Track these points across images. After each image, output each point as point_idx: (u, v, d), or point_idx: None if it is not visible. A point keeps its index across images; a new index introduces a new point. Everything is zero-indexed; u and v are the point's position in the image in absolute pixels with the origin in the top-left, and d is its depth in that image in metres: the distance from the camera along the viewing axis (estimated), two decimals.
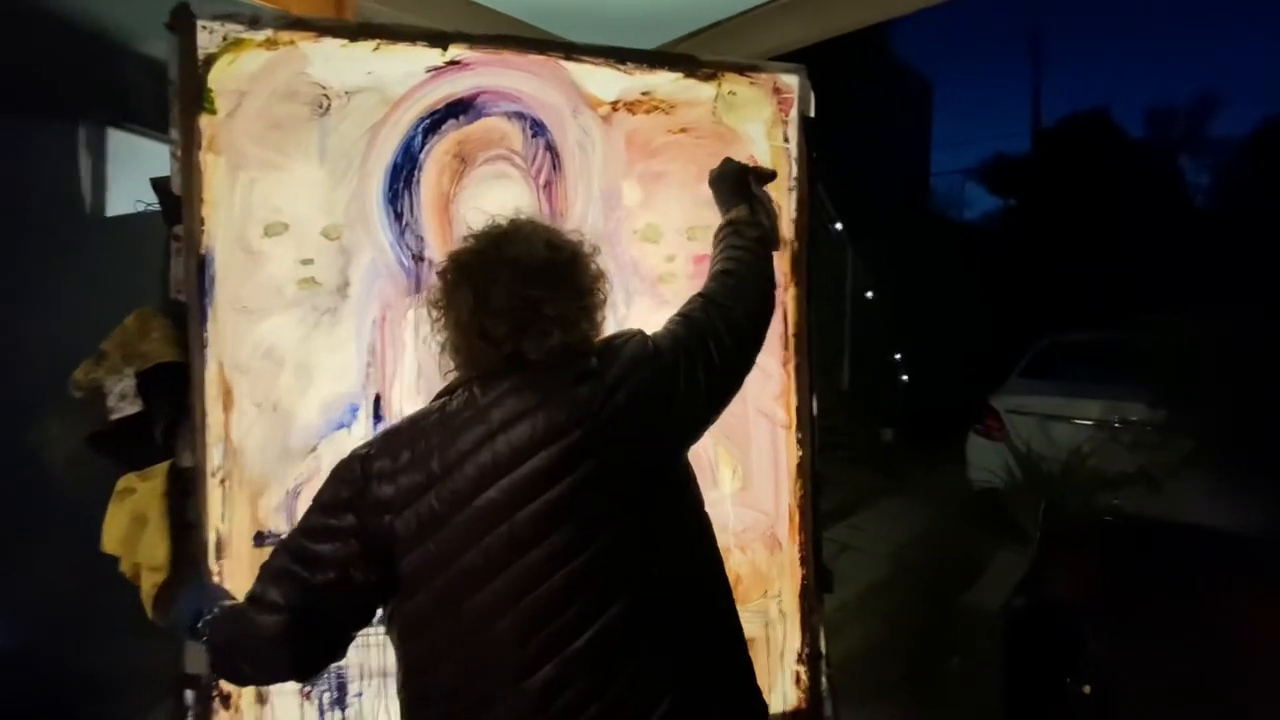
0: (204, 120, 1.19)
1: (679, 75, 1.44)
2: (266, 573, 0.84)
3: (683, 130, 1.44)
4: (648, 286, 1.41)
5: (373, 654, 1.21)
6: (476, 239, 0.93)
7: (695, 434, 0.99)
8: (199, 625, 0.86)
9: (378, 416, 1.27)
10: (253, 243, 1.22)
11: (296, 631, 0.80)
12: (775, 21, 2.31)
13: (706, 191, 1.46)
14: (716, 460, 1.43)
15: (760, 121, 1.49)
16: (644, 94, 1.42)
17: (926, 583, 3.68)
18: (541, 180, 1.36)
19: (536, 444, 0.84)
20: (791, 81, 1.51)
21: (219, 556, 1.18)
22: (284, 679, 0.88)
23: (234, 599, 0.88)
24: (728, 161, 1.24)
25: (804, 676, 1.46)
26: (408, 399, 1.28)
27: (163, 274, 1.22)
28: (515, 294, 0.88)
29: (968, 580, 3.46)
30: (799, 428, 1.49)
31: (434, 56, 1.31)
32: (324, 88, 1.25)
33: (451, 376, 0.94)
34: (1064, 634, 2.23)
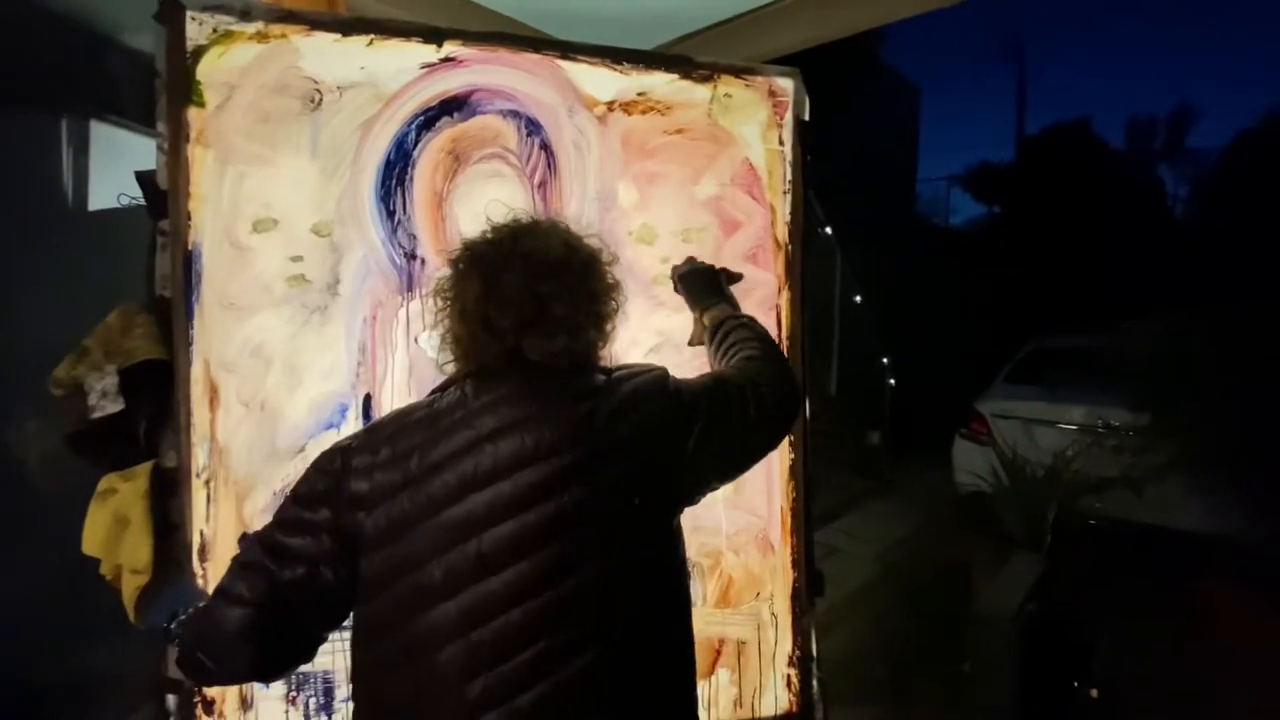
0: (192, 113, 1.17)
1: (675, 76, 1.44)
2: (236, 564, 0.81)
3: (679, 131, 1.44)
4: (642, 288, 1.40)
5: None
6: (494, 230, 0.90)
7: (691, 495, 0.93)
8: (172, 626, 0.84)
9: (367, 417, 1.25)
10: (241, 238, 1.20)
11: (260, 629, 0.76)
12: (768, 26, 2.32)
13: (702, 193, 1.46)
14: None
15: (755, 124, 1.49)
16: (640, 94, 1.41)
17: (914, 585, 3.71)
18: (536, 179, 1.35)
19: (524, 459, 0.80)
20: (787, 85, 1.51)
21: (203, 559, 1.16)
22: (246, 678, 0.84)
23: None
24: (695, 261, 1.25)
25: (795, 680, 1.46)
26: (399, 399, 1.26)
27: (147, 269, 1.19)
28: (525, 287, 0.84)
29: (955, 583, 3.48)
30: (793, 431, 1.49)
31: (428, 53, 1.29)
32: (316, 82, 1.23)
33: (450, 369, 0.91)
34: (1075, 638, 2.26)
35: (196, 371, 1.16)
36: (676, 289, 1.28)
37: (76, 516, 1.10)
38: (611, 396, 0.86)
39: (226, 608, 0.77)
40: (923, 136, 14.17)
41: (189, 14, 1.17)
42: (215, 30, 1.18)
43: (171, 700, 1.12)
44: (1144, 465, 3.16)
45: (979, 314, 8.24)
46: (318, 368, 1.23)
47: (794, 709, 1.44)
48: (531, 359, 0.85)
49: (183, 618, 0.84)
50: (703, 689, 1.40)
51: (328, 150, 1.24)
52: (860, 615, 3.27)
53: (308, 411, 1.22)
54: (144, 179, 1.19)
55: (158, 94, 1.17)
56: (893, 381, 6.29)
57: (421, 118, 1.29)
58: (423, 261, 1.29)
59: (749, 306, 1.47)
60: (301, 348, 1.22)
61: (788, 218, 1.51)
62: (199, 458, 1.16)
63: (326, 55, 1.24)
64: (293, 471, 1.20)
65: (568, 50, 1.37)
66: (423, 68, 1.29)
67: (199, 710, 1.14)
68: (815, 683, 1.48)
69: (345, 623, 0.84)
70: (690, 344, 1.24)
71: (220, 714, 1.15)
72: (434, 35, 1.29)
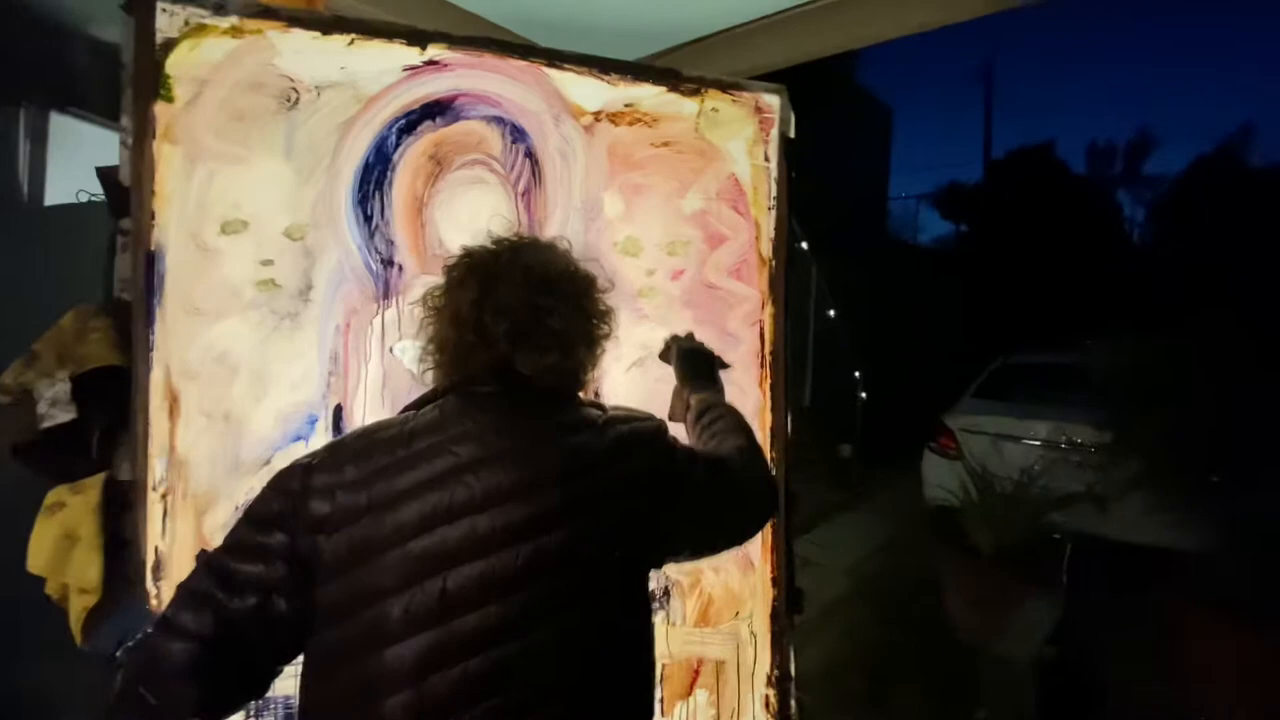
0: (159, 108, 1.12)
1: (663, 89, 1.43)
2: (181, 593, 0.75)
3: (665, 144, 1.43)
4: (627, 300, 1.38)
5: None
6: (495, 243, 0.89)
7: (663, 558, 0.89)
8: (117, 654, 0.77)
9: (338, 429, 1.20)
10: (208, 240, 1.15)
11: (207, 664, 0.70)
12: (749, 43, 2.33)
13: (688, 207, 1.45)
14: None
15: (742, 139, 1.49)
16: (627, 105, 1.40)
17: (886, 597, 3.73)
18: (520, 188, 1.32)
19: (503, 494, 0.74)
20: (773, 101, 1.52)
21: (157, 578, 1.09)
22: (192, 717, 0.74)
23: None
24: (695, 340, 1.24)
25: (773, 700, 1.44)
26: (372, 411, 1.22)
27: (106, 270, 1.13)
28: (523, 297, 0.82)
29: (927, 595, 3.52)
30: (773, 446, 1.48)
31: (411, 55, 1.26)
32: (293, 81, 1.19)
33: (429, 379, 0.87)
34: (1091, 678, 2.28)
35: (156, 379, 1.10)
36: (665, 355, 1.25)
37: (21, 532, 1.03)
38: (604, 436, 0.83)
39: (170, 641, 0.71)
40: (893, 156, 14.49)
41: (159, 5, 1.12)
42: (187, 23, 1.13)
43: None
44: (1107, 481, 3.23)
45: (948, 330, 8.43)
46: (286, 377, 1.18)
47: None
48: (522, 372, 0.82)
49: (129, 644, 0.78)
50: (680, 710, 1.38)
51: (304, 151, 1.20)
52: (834, 628, 3.28)
53: (275, 423, 1.17)
54: (105, 174, 1.13)
55: (123, 86, 1.11)
56: (864, 395, 6.38)
57: (403, 121, 1.25)
58: (400, 268, 1.25)
59: (733, 321, 1.47)
60: (270, 356, 1.17)
61: (772, 234, 1.51)
62: (156, 470, 1.10)
63: (305, 53, 1.20)
64: (258, 486, 1.14)
65: (555, 58, 1.35)
66: (405, 70, 1.25)
67: None
68: (794, 702, 1.46)
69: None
70: (670, 419, 1.19)
71: None
72: (418, 37, 1.26)
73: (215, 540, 1.11)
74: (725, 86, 1.48)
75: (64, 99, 1.95)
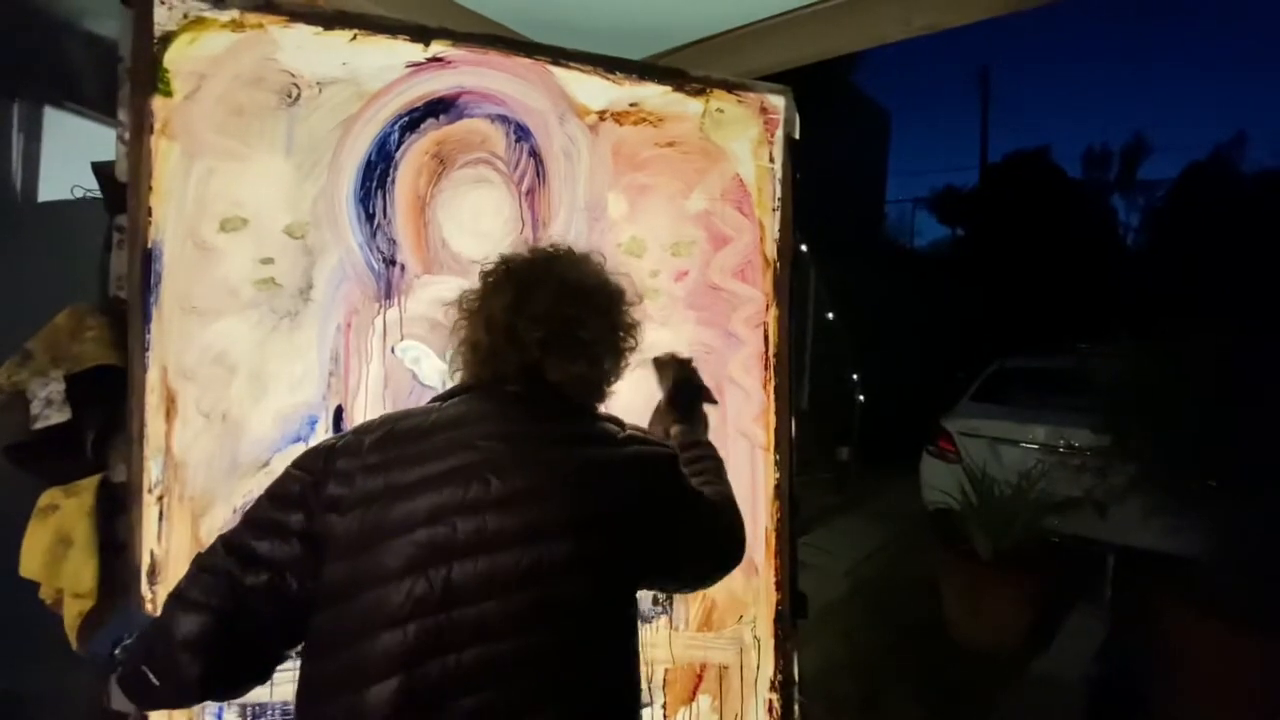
0: (157, 102, 1.10)
1: (668, 89, 1.42)
2: (195, 566, 0.76)
3: (670, 144, 1.41)
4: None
5: None
6: (532, 252, 0.92)
7: (649, 581, 0.92)
8: (115, 654, 0.76)
9: (338, 430, 1.18)
10: (207, 238, 1.13)
11: (215, 638, 0.71)
12: (752, 45, 2.32)
13: (692, 207, 1.44)
14: None
15: (747, 140, 1.48)
16: (632, 105, 1.39)
17: (884, 600, 3.73)
18: (524, 187, 1.31)
19: (518, 497, 0.75)
20: (778, 102, 1.50)
21: (152, 581, 1.07)
22: (192, 697, 0.75)
23: None
24: (690, 368, 1.21)
25: (777, 705, 1.42)
26: (372, 411, 1.20)
27: (101, 268, 1.11)
28: (557, 305, 0.85)
29: (925, 598, 3.51)
30: (777, 449, 1.47)
31: (415, 52, 1.24)
32: (294, 76, 1.17)
33: (459, 376, 0.90)
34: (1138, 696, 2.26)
35: (152, 379, 1.08)
36: (659, 369, 1.23)
37: (14, 535, 1.00)
38: (620, 452, 0.84)
39: (182, 613, 0.72)
40: (891, 159, 14.54)
41: None
42: (186, 16, 1.11)
43: None
44: (1104, 486, 3.23)
45: (945, 333, 8.44)
46: (286, 377, 1.16)
47: None
48: (549, 379, 0.84)
49: (128, 642, 0.77)
50: (683, 715, 1.36)
51: (304, 148, 1.18)
52: (833, 631, 3.27)
53: (274, 423, 1.15)
54: (101, 170, 1.11)
55: (120, 81, 1.09)
56: (862, 398, 6.38)
57: (405, 118, 1.24)
58: (402, 268, 1.23)
59: (737, 323, 1.46)
60: (269, 355, 1.15)
61: (776, 235, 1.50)
62: (152, 472, 1.08)
63: (306, 49, 1.18)
64: (255, 488, 1.12)
65: (560, 56, 1.34)
66: (408, 67, 1.24)
67: None
68: (797, 707, 1.45)
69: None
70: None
71: None
72: (421, 34, 1.25)
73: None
74: (731, 87, 1.47)
75: (60, 93, 1.92)
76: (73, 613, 0.98)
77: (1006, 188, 13.18)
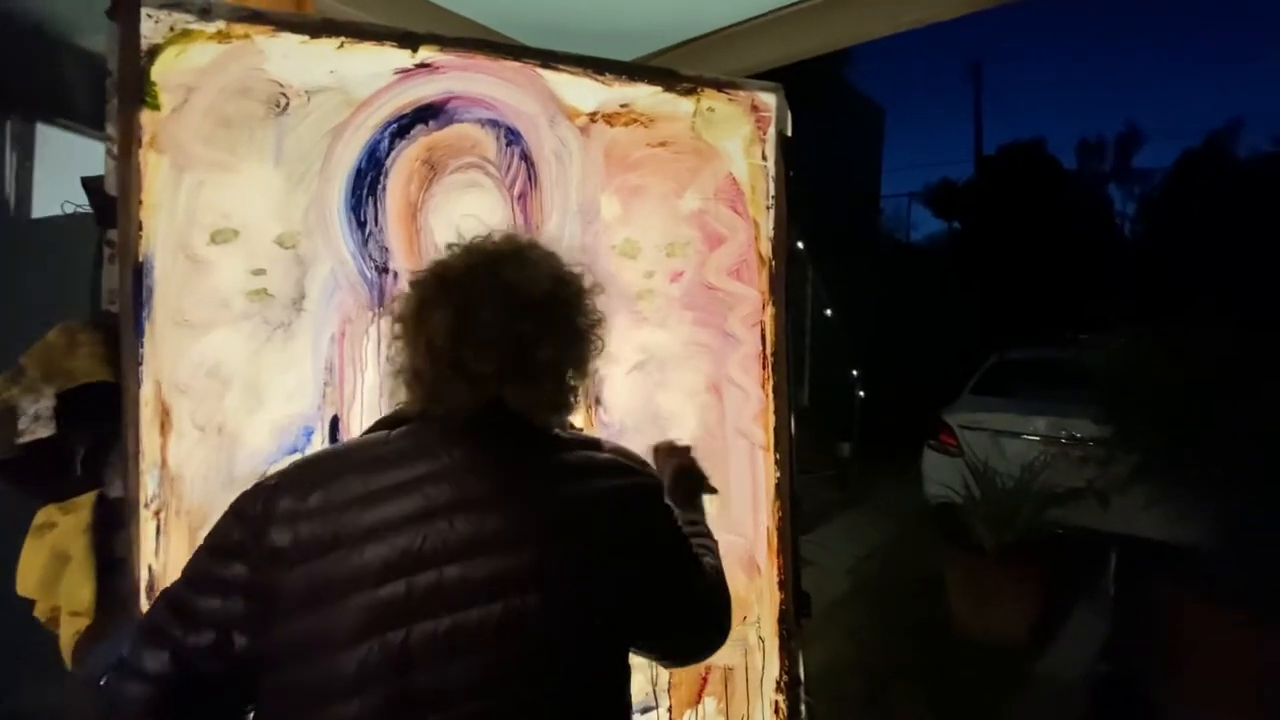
0: (146, 116, 1.09)
1: (658, 89, 1.41)
2: (139, 629, 0.69)
3: (662, 144, 1.41)
4: (625, 303, 1.36)
5: None
6: (468, 253, 0.77)
7: (640, 630, 0.79)
8: (102, 681, 0.71)
9: (335, 441, 1.17)
10: (198, 250, 1.12)
11: (163, 706, 0.64)
12: (742, 43, 2.32)
13: (685, 207, 1.43)
14: None
15: (738, 139, 1.47)
16: (623, 106, 1.38)
17: (888, 597, 3.72)
18: (516, 191, 1.30)
19: (478, 544, 0.67)
20: (769, 100, 1.50)
21: (150, 598, 1.06)
22: None
23: None
24: (688, 455, 1.16)
25: (783, 705, 1.42)
26: (369, 421, 1.18)
27: (93, 283, 1.10)
28: (508, 326, 0.72)
29: (929, 593, 3.50)
30: (777, 448, 1.46)
31: (403, 58, 1.24)
32: (282, 86, 1.17)
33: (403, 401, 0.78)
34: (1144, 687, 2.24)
35: (146, 393, 1.07)
36: (657, 460, 1.17)
37: (10, 553, 1.00)
38: (598, 486, 0.75)
39: (127, 683, 0.66)
40: (885, 154, 14.55)
41: (144, 10, 1.09)
42: (173, 29, 1.10)
43: None
44: (1107, 476, 3.23)
45: (943, 327, 8.44)
46: (281, 388, 1.15)
47: None
48: (511, 407, 0.74)
49: (114, 668, 0.72)
50: (689, 718, 1.35)
51: (294, 157, 1.17)
52: (837, 628, 3.26)
53: (270, 435, 1.14)
54: (91, 185, 1.10)
55: (108, 95, 1.09)
56: (862, 394, 6.37)
57: (395, 125, 1.23)
58: (395, 275, 1.23)
59: (734, 322, 1.45)
60: (263, 367, 1.15)
61: (771, 233, 1.49)
62: (148, 486, 1.07)
63: (293, 58, 1.17)
64: None
65: (549, 59, 1.33)
66: (397, 73, 1.23)
67: None
68: (803, 707, 1.44)
69: None
70: None
71: None
72: (409, 40, 1.24)
73: None
74: (721, 85, 1.47)
75: (50, 109, 1.91)
76: (69, 631, 0.97)
77: (1002, 180, 13.19)
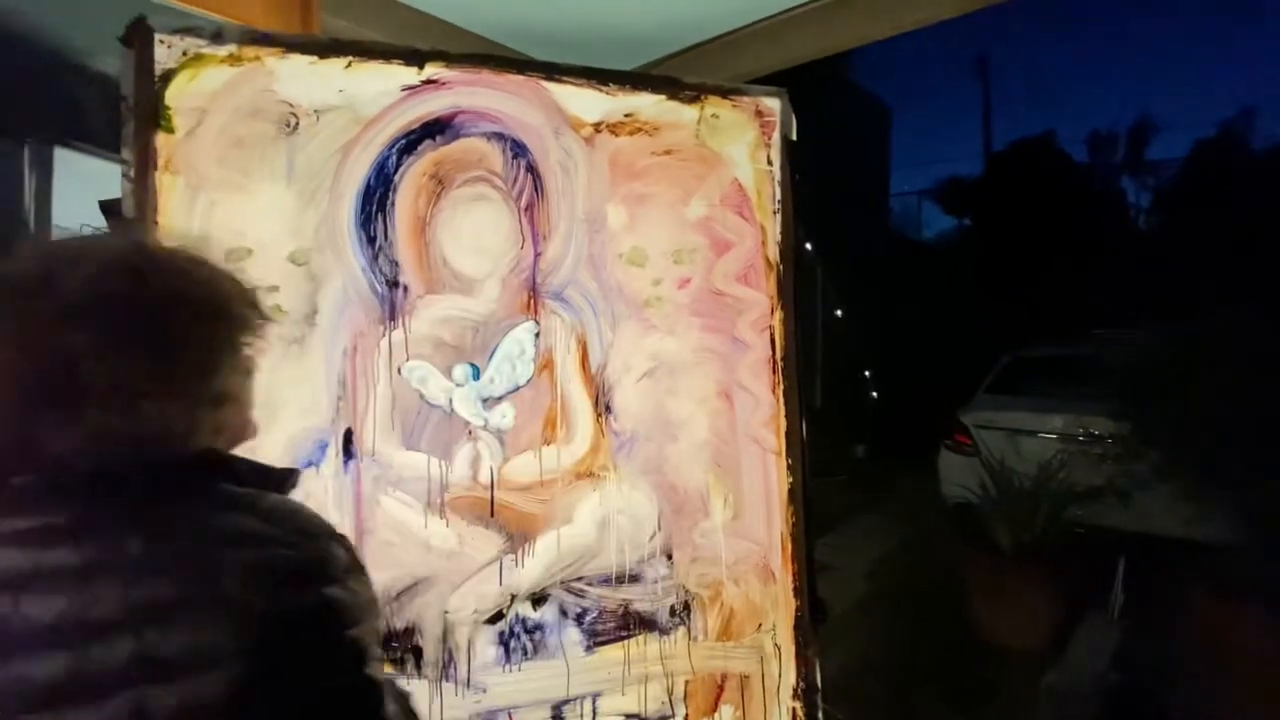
0: (160, 139, 1.12)
1: (662, 97, 1.42)
2: None
3: (667, 152, 1.42)
4: (634, 311, 1.36)
5: None
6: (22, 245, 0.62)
7: None
8: None
9: (348, 454, 1.19)
10: None
11: None
12: (746, 48, 2.33)
13: (692, 214, 1.44)
14: (708, 489, 1.39)
15: (743, 144, 1.48)
16: (627, 116, 1.39)
17: (906, 599, 3.68)
18: (523, 202, 1.31)
19: (63, 631, 0.53)
20: (774, 104, 1.50)
21: None
22: None
23: None
24: None
25: (800, 713, 1.41)
26: (382, 433, 1.20)
27: None
28: (46, 341, 0.56)
29: (948, 596, 3.46)
30: (789, 453, 1.46)
31: (409, 75, 1.26)
32: (292, 106, 1.19)
33: None
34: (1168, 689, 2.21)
35: None
36: None
37: None
38: (238, 523, 0.59)
39: None
40: (894, 153, 14.48)
41: (157, 37, 1.12)
42: (185, 53, 1.13)
43: None
44: (1127, 473, 3.18)
45: (956, 325, 8.37)
46: (295, 402, 1.17)
47: None
48: (52, 449, 0.56)
49: None
50: None
51: (304, 176, 1.19)
52: (855, 632, 3.23)
53: (285, 449, 1.16)
54: (108, 207, 1.13)
55: (124, 119, 1.12)
56: (875, 395, 6.34)
57: (403, 141, 1.25)
58: (405, 289, 1.24)
59: (743, 328, 1.45)
60: (278, 382, 1.16)
61: (778, 237, 1.49)
62: None
63: (303, 78, 1.20)
64: None
65: (553, 71, 1.35)
66: (404, 90, 1.25)
67: None
68: (820, 715, 1.43)
69: None
70: None
71: None
72: (415, 57, 1.26)
73: None
74: (725, 92, 1.47)
75: (67, 132, 1.96)
76: None
77: (1013, 175, 13.07)
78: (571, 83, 1.36)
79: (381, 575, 1.19)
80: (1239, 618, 2.35)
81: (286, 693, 0.56)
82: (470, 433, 1.26)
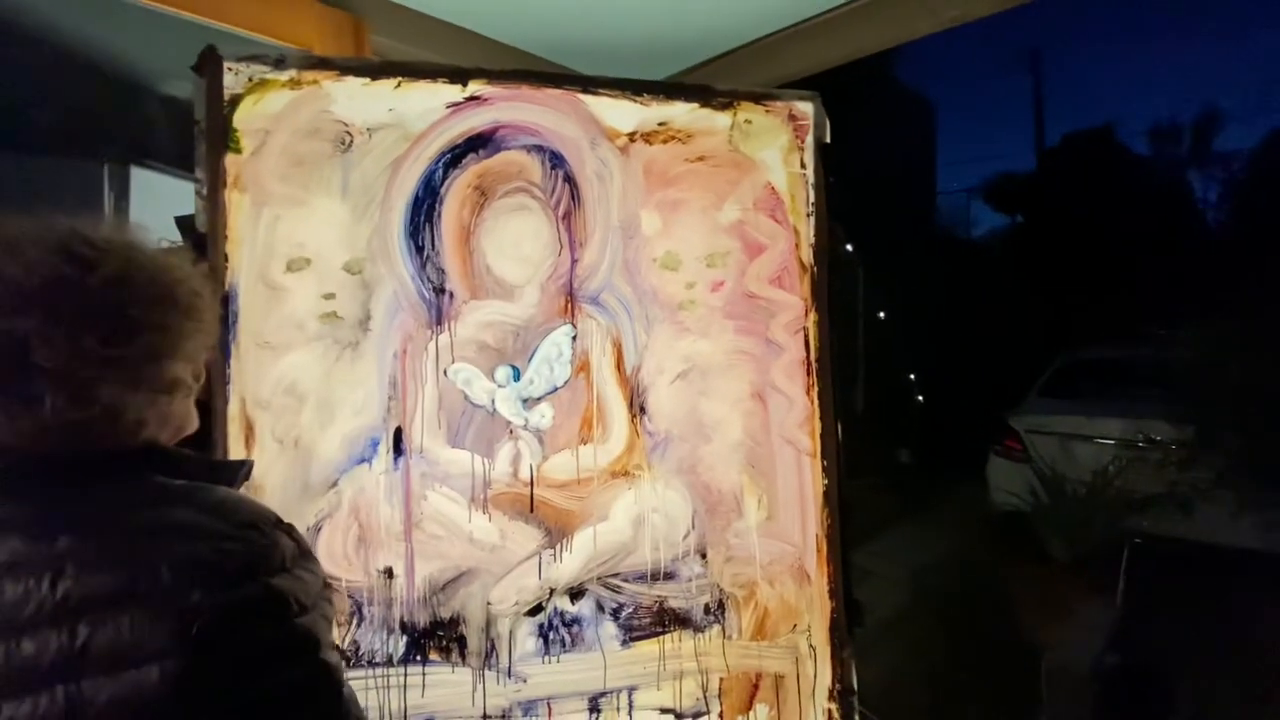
0: (229, 159, 1.21)
1: (695, 105, 1.45)
2: None
3: (700, 159, 1.45)
4: (668, 314, 1.40)
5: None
6: None
7: None
8: None
9: (399, 450, 1.26)
10: (275, 278, 1.23)
11: None
12: (781, 51, 2.34)
13: (725, 218, 1.46)
14: (742, 490, 1.41)
15: (777, 149, 1.50)
16: (661, 124, 1.43)
17: (951, 609, 3.59)
18: (560, 211, 1.36)
19: (24, 623, 0.54)
20: (807, 108, 1.51)
21: None
22: None
23: None
24: None
25: (836, 714, 1.41)
26: (429, 432, 1.27)
27: None
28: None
29: (994, 605, 3.37)
30: (824, 455, 1.47)
31: (454, 92, 1.32)
32: (346, 125, 1.27)
33: None
34: (1156, 686, 2.14)
35: (233, 410, 1.18)
36: None
37: None
38: (176, 516, 0.60)
39: None
40: (940, 150, 14.12)
41: (226, 64, 1.21)
42: (251, 79, 1.22)
43: None
44: (1190, 480, 3.04)
45: (1007, 326, 8.10)
46: (350, 403, 1.25)
47: None
48: (7, 441, 0.58)
49: None
50: None
51: (358, 190, 1.27)
52: (897, 641, 3.18)
53: (340, 446, 1.24)
54: (183, 223, 1.23)
55: (197, 142, 1.21)
56: (921, 399, 6.19)
57: (448, 155, 1.32)
58: (451, 295, 1.31)
59: (776, 330, 1.47)
60: (334, 384, 1.24)
61: (812, 240, 1.50)
62: None
63: (356, 99, 1.28)
64: (326, 506, 1.22)
65: (589, 84, 1.39)
66: (449, 107, 1.32)
67: None
68: (857, 716, 1.43)
69: None
70: None
71: None
72: (459, 75, 1.33)
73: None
74: (758, 98, 1.49)
75: (141, 153, 2.11)
76: None
77: (1067, 169, 12.57)
78: (607, 94, 1.40)
79: (428, 566, 1.25)
80: None
81: (240, 684, 0.57)
82: (511, 432, 1.31)
